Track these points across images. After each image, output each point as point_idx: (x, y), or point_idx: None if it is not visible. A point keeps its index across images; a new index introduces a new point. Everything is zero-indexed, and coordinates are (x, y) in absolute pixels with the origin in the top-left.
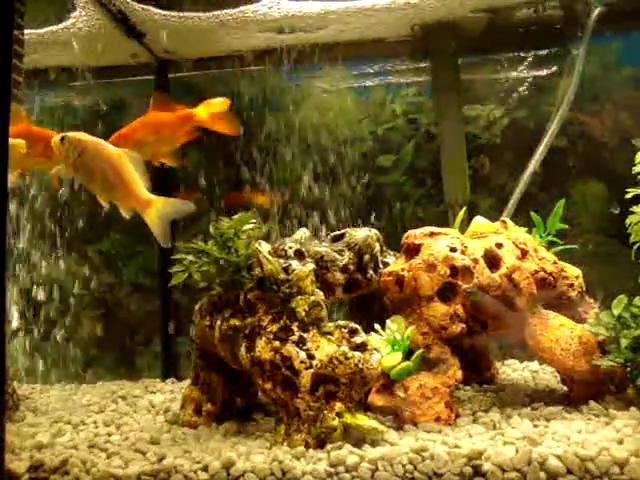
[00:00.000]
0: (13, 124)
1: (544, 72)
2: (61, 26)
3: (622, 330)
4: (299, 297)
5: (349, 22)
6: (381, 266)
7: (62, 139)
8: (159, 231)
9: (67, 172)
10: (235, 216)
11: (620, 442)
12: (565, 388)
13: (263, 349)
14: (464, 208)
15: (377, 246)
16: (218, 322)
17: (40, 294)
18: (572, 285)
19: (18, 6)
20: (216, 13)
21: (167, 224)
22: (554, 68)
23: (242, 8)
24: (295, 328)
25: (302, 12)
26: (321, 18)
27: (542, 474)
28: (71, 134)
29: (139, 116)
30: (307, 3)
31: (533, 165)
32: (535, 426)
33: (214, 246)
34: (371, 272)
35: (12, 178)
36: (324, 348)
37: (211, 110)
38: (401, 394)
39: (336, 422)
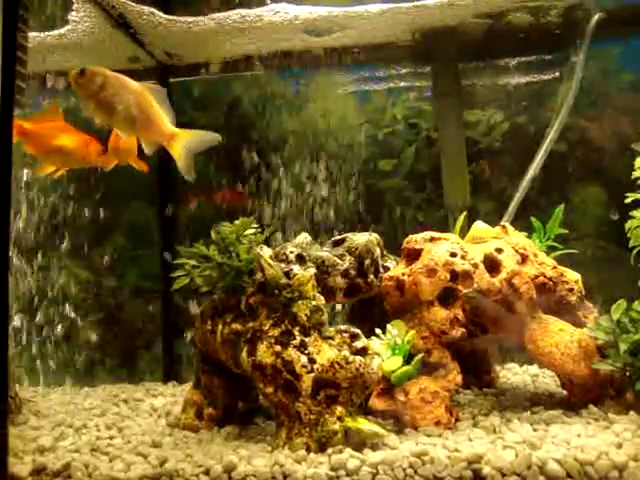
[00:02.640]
0: (52, 121)
1: (544, 77)
2: (62, 31)
3: (621, 334)
4: (300, 302)
5: (350, 27)
6: (382, 270)
7: (82, 72)
8: (184, 164)
9: (86, 108)
10: (237, 221)
11: (619, 446)
12: (565, 392)
13: (264, 353)
14: (464, 213)
15: (378, 251)
16: (220, 326)
17: (41, 298)
18: (572, 289)
19: (22, 13)
20: (219, 18)
21: (192, 157)
22: (554, 73)
23: (245, 12)
24: (296, 332)
25: (304, 18)
26: (323, 24)
27: (542, 478)
28: (91, 67)
29: None
30: (309, 9)
31: (533, 170)
32: (535, 430)
33: (216, 251)
34: (372, 277)
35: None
36: (325, 352)
37: None
38: (401, 398)
39: (337, 426)
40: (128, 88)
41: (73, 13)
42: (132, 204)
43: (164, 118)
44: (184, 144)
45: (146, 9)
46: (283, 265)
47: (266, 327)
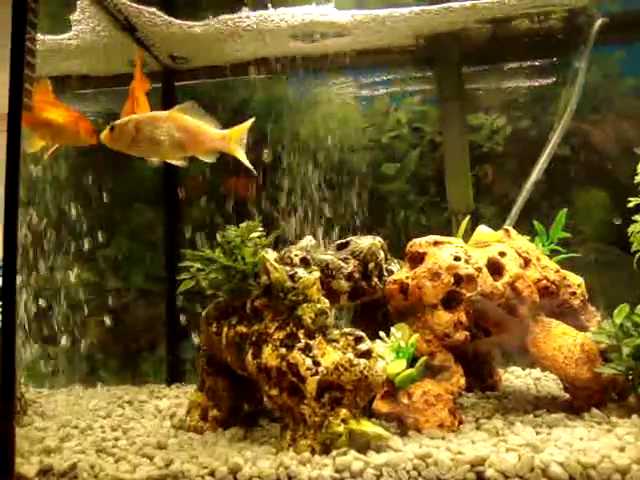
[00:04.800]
0: (41, 96)
1: (547, 82)
2: (67, 34)
3: (624, 338)
4: (305, 305)
5: (355, 32)
6: (385, 274)
7: (112, 129)
8: (246, 158)
9: (130, 151)
10: (242, 224)
11: (622, 450)
12: (567, 395)
13: (270, 356)
14: (468, 216)
15: (381, 254)
16: (225, 329)
17: (46, 299)
18: (574, 293)
19: (31, 18)
20: (224, 21)
21: None
22: (557, 77)
23: (250, 15)
24: (301, 335)
25: (309, 22)
26: (328, 28)
27: None
28: (118, 121)
29: None
30: (315, 13)
31: (536, 174)
32: (537, 433)
33: (221, 254)
34: (376, 280)
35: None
36: (330, 355)
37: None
38: (405, 401)
39: (341, 428)
40: (160, 120)
41: (76, 15)
42: (136, 205)
43: (208, 127)
44: (239, 141)
45: (151, 11)
46: (288, 268)
47: (271, 330)
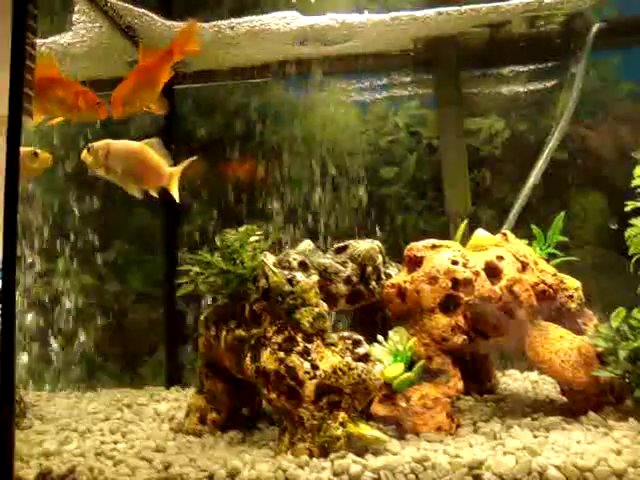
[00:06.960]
0: (43, 70)
1: (545, 85)
2: (67, 37)
3: (621, 342)
4: (303, 308)
5: (354, 36)
6: (383, 277)
7: (88, 149)
8: (178, 194)
9: (100, 173)
10: (241, 228)
11: (618, 453)
12: (565, 399)
13: (268, 359)
14: (465, 220)
15: (379, 258)
16: (223, 333)
17: (46, 302)
18: (572, 297)
19: (31, 22)
20: (225, 25)
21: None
22: (555, 82)
23: (250, 19)
24: (299, 339)
25: (307, 26)
26: (327, 32)
27: None
28: (95, 143)
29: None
30: (314, 17)
31: (534, 178)
32: (535, 436)
33: (220, 258)
34: (374, 283)
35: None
36: (328, 359)
37: (185, 39)
38: (403, 404)
39: (339, 431)
40: (129, 151)
41: (75, 17)
42: (136, 210)
43: (162, 164)
44: (177, 179)
45: (151, 15)
46: (286, 272)
47: (269, 334)
